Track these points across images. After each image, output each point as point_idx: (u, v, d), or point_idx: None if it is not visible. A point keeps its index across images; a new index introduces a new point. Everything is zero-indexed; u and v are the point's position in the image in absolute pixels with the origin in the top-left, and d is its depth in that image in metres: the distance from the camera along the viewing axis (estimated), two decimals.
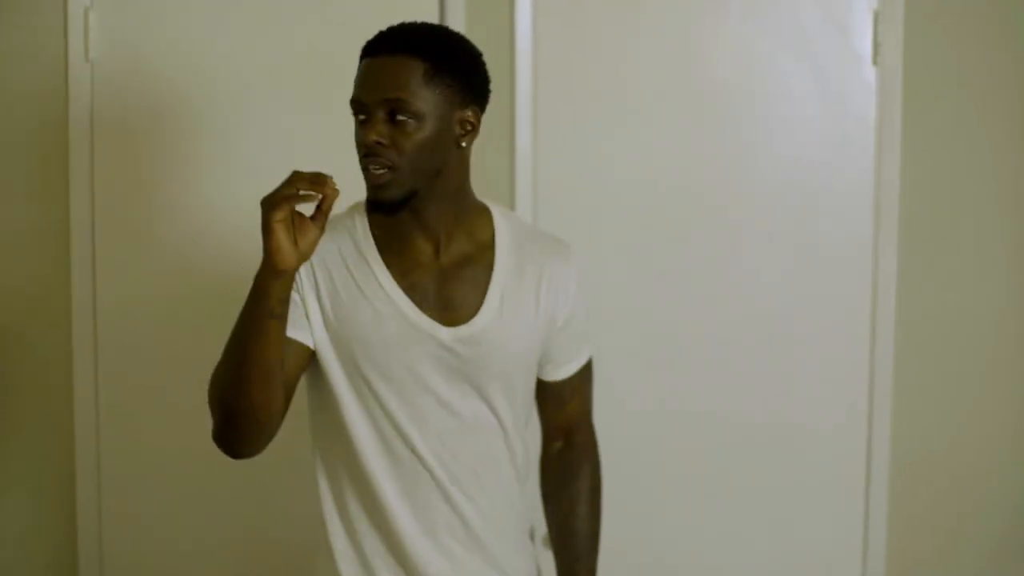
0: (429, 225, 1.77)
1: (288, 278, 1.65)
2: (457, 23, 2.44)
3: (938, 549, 2.52)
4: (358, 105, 1.71)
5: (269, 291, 1.65)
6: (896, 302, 2.47)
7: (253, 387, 1.66)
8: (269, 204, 1.64)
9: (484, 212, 1.83)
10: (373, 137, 1.69)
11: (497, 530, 1.84)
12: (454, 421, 1.78)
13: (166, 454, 2.57)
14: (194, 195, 2.54)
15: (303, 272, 1.79)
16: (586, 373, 1.92)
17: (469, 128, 1.74)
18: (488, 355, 1.76)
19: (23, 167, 2.56)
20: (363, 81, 1.72)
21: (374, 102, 1.69)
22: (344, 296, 1.77)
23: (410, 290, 1.77)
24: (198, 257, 2.54)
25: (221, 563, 2.59)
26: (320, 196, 1.62)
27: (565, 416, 1.92)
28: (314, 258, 1.79)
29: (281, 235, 1.63)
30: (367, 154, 1.70)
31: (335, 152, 2.49)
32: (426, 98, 1.69)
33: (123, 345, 2.56)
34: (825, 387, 2.51)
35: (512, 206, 2.48)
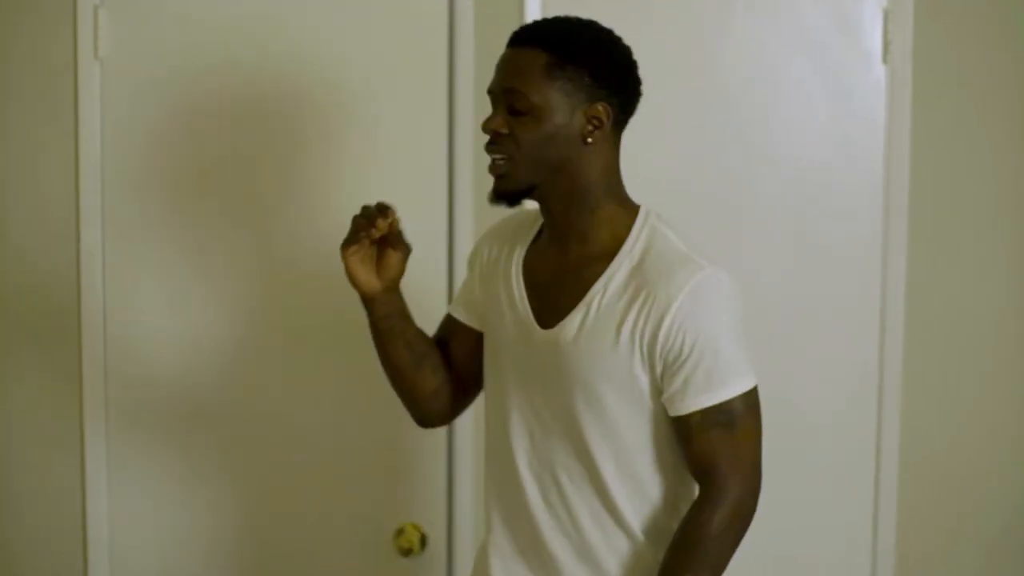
0: (557, 223, 1.77)
1: (379, 301, 1.86)
2: (466, 21, 2.44)
3: (948, 543, 2.52)
4: (489, 93, 1.75)
5: (368, 312, 1.88)
6: (905, 301, 2.47)
7: (393, 381, 1.95)
8: (342, 246, 1.82)
9: (627, 218, 1.76)
10: (492, 126, 1.72)
11: (568, 549, 1.79)
12: (539, 425, 1.78)
13: (175, 455, 2.58)
14: (204, 194, 2.54)
15: (474, 253, 1.96)
16: (716, 416, 1.68)
17: (597, 124, 1.71)
18: (566, 367, 1.73)
19: (32, 166, 2.56)
20: (496, 69, 1.75)
21: (497, 91, 1.73)
22: (489, 280, 1.89)
23: (531, 286, 1.80)
24: (207, 256, 2.54)
25: (230, 563, 2.60)
26: (379, 227, 1.77)
27: (692, 458, 1.71)
28: (490, 238, 1.94)
29: (356, 268, 1.82)
30: (489, 142, 1.73)
31: (345, 151, 2.50)
32: (545, 91, 1.68)
33: (133, 344, 2.56)
34: (834, 386, 2.50)
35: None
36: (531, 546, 1.82)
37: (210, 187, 2.53)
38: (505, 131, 1.70)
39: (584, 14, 2.42)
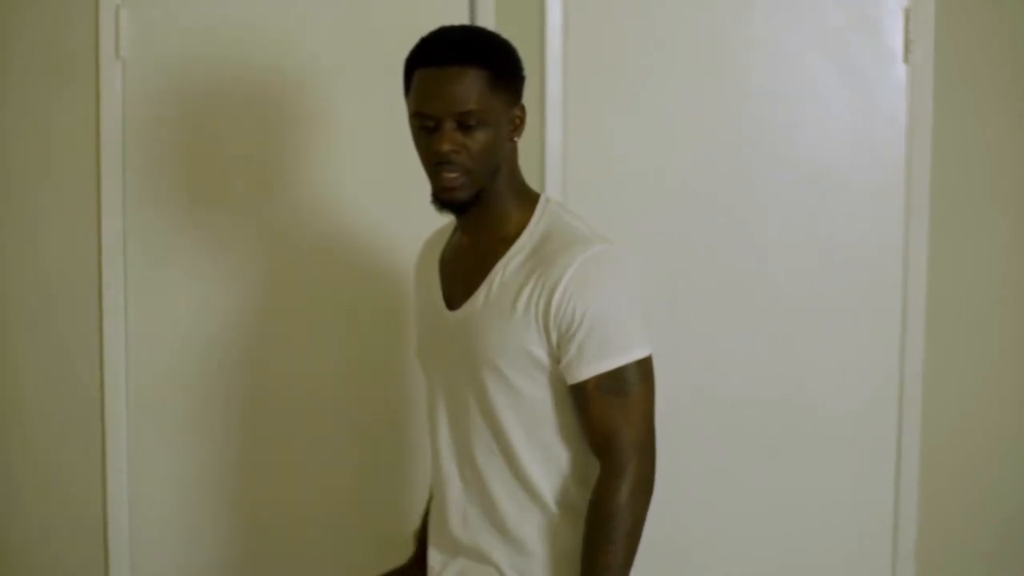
0: (471, 218, 1.85)
1: None
2: (487, 21, 2.44)
3: (968, 539, 2.52)
4: (424, 118, 1.78)
5: None
6: (926, 299, 2.46)
7: None
8: None
9: (529, 205, 1.85)
10: (447, 147, 1.77)
11: (477, 527, 1.86)
12: (456, 404, 1.85)
13: (192, 452, 2.58)
14: (223, 191, 2.54)
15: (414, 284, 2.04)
16: (609, 383, 1.74)
17: (519, 122, 1.83)
18: (471, 342, 1.81)
19: (54, 165, 2.57)
20: (429, 93, 1.78)
21: (445, 115, 1.76)
22: (418, 288, 2.00)
23: (445, 277, 1.90)
24: (227, 255, 2.54)
25: (243, 560, 2.60)
26: None
27: (589, 426, 1.76)
28: (419, 260, 2.03)
29: None
30: (440, 162, 1.78)
31: (365, 148, 2.50)
32: (492, 105, 1.77)
33: (153, 338, 2.57)
34: (855, 384, 2.50)
35: None
36: (456, 524, 1.88)
37: (229, 183, 2.54)
38: (459, 149, 1.77)
39: (608, 14, 2.46)
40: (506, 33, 2.42)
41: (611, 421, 1.75)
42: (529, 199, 1.85)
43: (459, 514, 1.88)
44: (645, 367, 1.77)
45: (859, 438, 2.50)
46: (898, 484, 2.50)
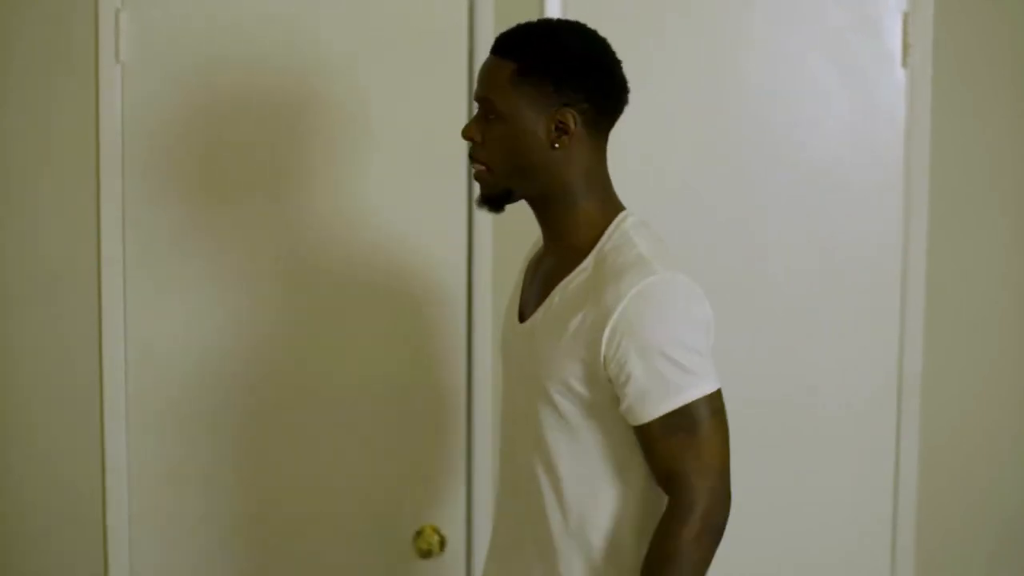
0: (541, 225, 1.81)
1: None
2: (487, 20, 2.45)
3: (968, 539, 2.53)
4: (475, 100, 1.80)
5: None
6: (925, 299, 2.47)
7: None
8: None
9: (604, 220, 1.76)
10: (466, 133, 1.76)
11: (521, 549, 1.83)
12: (518, 417, 1.82)
13: (194, 457, 2.58)
14: (224, 196, 2.54)
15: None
16: (677, 421, 1.64)
17: (563, 129, 1.72)
18: (528, 358, 1.76)
19: (53, 169, 2.58)
20: (478, 77, 1.79)
21: (476, 100, 1.77)
22: (516, 285, 1.95)
23: (526, 283, 1.87)
24: (227, 257, 2.54)
25: (248, 564, 2.60)
26: None
27: (656, 466, 1.68)
28: (525, 260, 1.98)
29: None
30: (471, 151, 1.78)
31: (366, 153, 2.51)
32: (511, 99, 1.71)
33: (153, 347, 2.57)
34: (854, 383, 2.51)
35: None
36: (508, 540, 1.87)
37: (229, 186, 2.54)
38: (478, 139, 1.75)
39: (606, 14, 2.45)
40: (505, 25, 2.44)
41: (679, 462, 1.64)
42: (606, 212, 1.76)
43: (507, 531, 1.86)
44: (715, 402, 1.66)
45: (858, 438, 2.51)
46: (897, 484, 2.50)
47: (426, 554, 2.46)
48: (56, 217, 2.58)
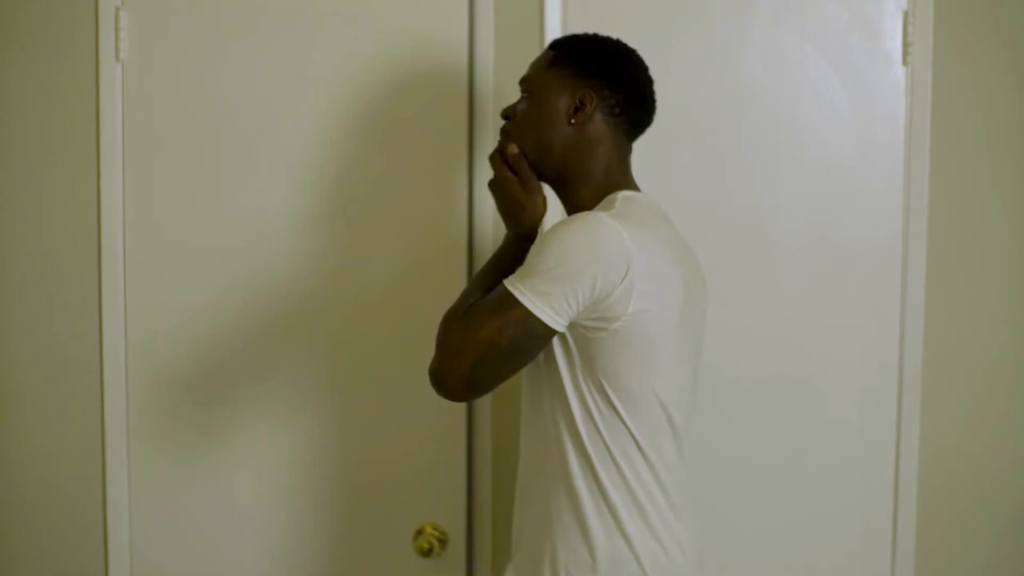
0: (566, 203, 1.95)
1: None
2: (487, 20, 2.45)
3: (968, 538, 2.52)
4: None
5: (517, 241, 1.97)
6: (925, 299, 2.47)
7: None
8: (498, 184, 1.95)
9: (604, 200, 1.89)
10: (505, 110, 1.96)
11: (526, 527, 1.94)
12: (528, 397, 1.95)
13: (196, 454, 2.58)
14: (226, 199, 2.54)
15: None
16: (500, 291, 1.76)
17: (580, 106, 1.87)
18: None
19: (53, 169, 2.58)
20: None
21: (519, 83, 1.97)
22: None
23: None
24: (227, 255, 2.55)
25: (250, 563, 2.60)
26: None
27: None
28: None
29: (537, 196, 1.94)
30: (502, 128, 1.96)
31: (367, 153, 2.51)
32: (545, 77, 1.90)
33: (154, 341, 2.57)
34: (854, 382, 2.50)
35: None
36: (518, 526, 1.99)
37: (229, 185, 2.54)
38: (511, 114, 1.93)
39: (607, 17, 2.46)
40: (505, 34, 2.45)
41: (480, 313, 1.75)
42: (607, 194, 1.90)
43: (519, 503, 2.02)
44: (528, 320, 1.72)
45: (858, 437, 2.50)
46: (897, 484, 2.50)
47: (426, 553, 2.47)
48: (56, 215, 2.58)
